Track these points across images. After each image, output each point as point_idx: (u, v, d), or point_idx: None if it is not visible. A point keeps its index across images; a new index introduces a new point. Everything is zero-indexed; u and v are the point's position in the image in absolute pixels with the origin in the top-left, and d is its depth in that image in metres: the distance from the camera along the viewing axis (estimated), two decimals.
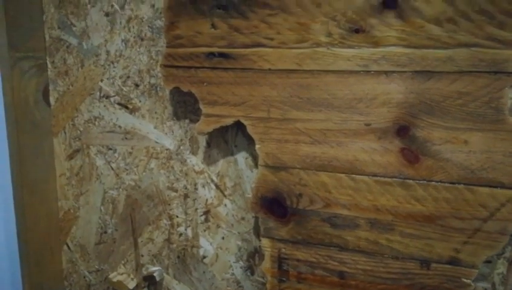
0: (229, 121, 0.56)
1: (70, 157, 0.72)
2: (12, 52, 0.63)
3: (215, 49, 0.55)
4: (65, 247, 0.76)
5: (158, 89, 0.64)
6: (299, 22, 0.50)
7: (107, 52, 0.65)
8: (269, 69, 0.53)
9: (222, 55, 0.55)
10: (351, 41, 0.49)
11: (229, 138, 0.62)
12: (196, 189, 0.65)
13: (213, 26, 0.54)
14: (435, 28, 0.46)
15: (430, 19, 0.46)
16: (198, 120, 0.60)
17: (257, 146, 0.56)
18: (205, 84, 0.56)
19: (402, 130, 0.49)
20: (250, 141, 0.57)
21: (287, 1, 0.50)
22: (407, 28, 0.47)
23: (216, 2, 0.53)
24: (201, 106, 0.57)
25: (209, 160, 0.63)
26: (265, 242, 0.58)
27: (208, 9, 0.54)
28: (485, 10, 0.44)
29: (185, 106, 0.63)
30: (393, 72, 0.48)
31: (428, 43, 0.46)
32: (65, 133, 0.71)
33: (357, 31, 0.49)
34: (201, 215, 0.65)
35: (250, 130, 0.55)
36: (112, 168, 0.69)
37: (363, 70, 0.49)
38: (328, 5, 0.49)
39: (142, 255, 0.70)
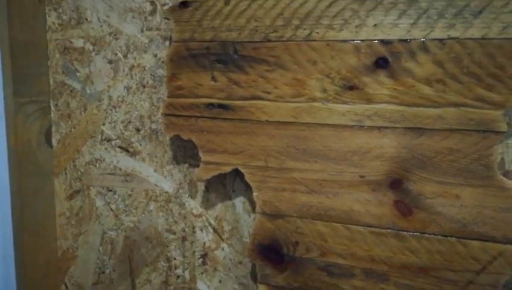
0: (227, 169, 0.58)
1: (71, 197, 0.73)
2: (17, 98, 0.65)
3: (215, 101, 0.57)
4: (63, 286, 0.76)
5: (158, 134, 0.65)
6: (295, 78, 0.53)
7: (110, 98, 0.67)
8: (267, 121, 0.55)
9: (221, 106, 0.56)
10: (345, 98, 0.51)
11: (227, 183, 0.63)
12: (194, 232, 0.66)
13: (213, 79, 0.56)
14: (426, 88, 0.48)
15: (421, 79, 0.48)
16: (197, 164, 0.61)
17: (254, 194, 0.57)
18: (205, 133, 0.58)
19: (395, 183, 0.51)
20: (248, 187, 0.59)
21: (283, 58, 0.53)
22: (399, 87, 0.49)
23: (216, 57, 0.56)
24: (200, 154, 0.58)
25: (207, 204, 0.65)
26: (262, 289, 0.58)
27: (209, 63, 0.56)
28: (473, 73, 0.46)
29: (184, 151, 0.64)
30: (386, 127, 0.50)
31: (419, 101, 0.48)
32: (66, 173, 0.72)
33: (350, 88, 0.51)
34: (199, 258, 0.66)
35: (248, 178, 0.57)
36: (112, 209, 0.70)
37: (357, 125, 0.51)
38: (323, 63, 0.51)
39: None
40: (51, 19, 0.69)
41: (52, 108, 0.71)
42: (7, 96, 0.64)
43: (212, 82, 0.56)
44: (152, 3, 0.62)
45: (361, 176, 0.52)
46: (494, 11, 0.44)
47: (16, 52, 0.65)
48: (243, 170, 0.57)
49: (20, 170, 0.68)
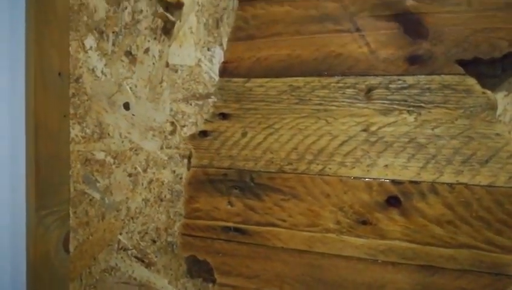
0: None
1: None
2: (39, 212, 0.68)
3: (231, 224, 0.58)
4: None
5: (174, 246, 0.67)
6: (309, 208, 0.55)
7: (128, 209, 0.70)
8: (282, 248, 0.56)
9: (237, 230, 0.58)
10: (358, 231, 0.53)
11: None
12: None
13: (230, 203, 0.58)
14: (437, 228, 0.49)
15: (432, 220, 0.49)
16: (211, 279, 0.62)
17: None
18: (220, 254, 0.59)
19: None
20: None
21: (298, 189, 0.55)
22: (411, 226, 0.50)
23: (233, 184, 0.58)
24: (215, 275, 0.59)
25: None
26: None
27: (226, 188, 0.58)
28: (483, 217, 0.48)
29: (199, 265, 0.65)
30: (400, 263, 0.51)
31: (431, 241, 0.50)
32: (81, 280, 0.73)
33: (364, 222, 0.52)
34: None
35: None
36: None
37: (371, 259, 0.52)
38: (336, 197, 0.53)
39: None
40: (75, 131, 0.73)
41: (71, 215, 0.74)
42: (29, 211, 0.67)
43: (229, 206, 0.58)
44: (172, 124, 0.66)
45: None
46: (500, 161, 0.47)
47: (39, 166, 0.68)
48: None
49: (37, 277, 0.69)
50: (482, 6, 0.47)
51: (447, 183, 0.49)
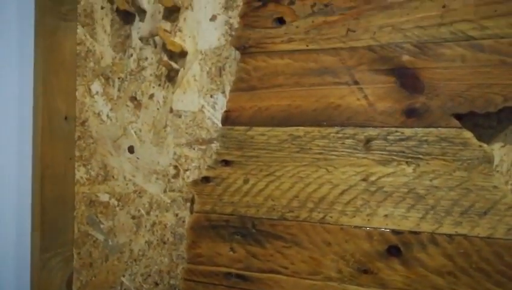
0: None
1: None
2: (43, 254, 0.68)
3: (233, 270, 0.59)
4: None
5: (177, 289, 0.67)
6: (311, 256, 0.55)
7: (131, 251, 0.70)
8: None
9: (239, 276, 0.59)
10: (360, 280, 0.53)
11: None
12: None
13: (232, 249, 0.59)
14: (438, 279, 0.50)
15: (433, 270, 0.50)
16: None
17: None
18: None
19: None
20: None
21: (300, 237, 0.56)
22: (412, 275, 0.51)
23: (235, 230, 0.59)
24: None
25: None
26: None
27: (228, 235, 0.59)
28: (482, 269, 0.48)
29: None
30: None
31: None
32: None
33: (365, 271, 0.53)
34: None
35: None
36: None
37: None
38: (338, 245, 0.54)
39: None
40: (80, 173, 0.74)
41: (75, 256, 0.74)
42: (34, 253, 0.68)
43: (231, 253, 0.59)
44: (175, 167, 0.67)
45: None
46: (499, 213, 0.48)
47: (45, 208, 0.69)
48: None
49: None
50: (476, 62, 0.48)
51: (447, 234, 0.49)
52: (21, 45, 0.71)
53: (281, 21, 0.56)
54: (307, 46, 0.55)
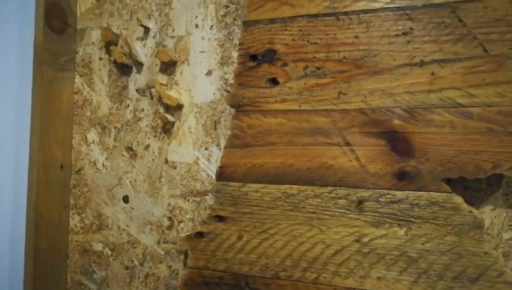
0: None
1: None
2: None
3: None
4: None
5: None
6: None
7: None
8: None
9: None
10: None
11: None
12: None
13: None
14: None
15: None
16: None
17: None
18: None
19: None
20: None
21: None
22: None
23: (228, 287, 0.58)
24: None
25: None
26: None
27: None
28: None
29: None
30: None
31: None
32: None
33: None
34: None
35: None
36: None
37: None
38: None
39: None
40: (74, 221, 0.74)
41: None
42: None
43: None
44: (170, 219, 0.67)
45: None
46: (490, 279, 0.48)
47: (38, 257, 0.69)
48: None
49: None
50: (465, 129, 0.49)
51: None
52: (19, 96, 0.72)
53: (274, 81, 0.58)
54: (300, 106, 0.56)
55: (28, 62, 0.69)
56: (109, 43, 0.70)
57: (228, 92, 0.63)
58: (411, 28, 0.51)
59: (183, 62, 0.67)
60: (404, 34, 0.52)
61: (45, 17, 0.68)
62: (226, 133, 0.64)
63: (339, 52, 0.54)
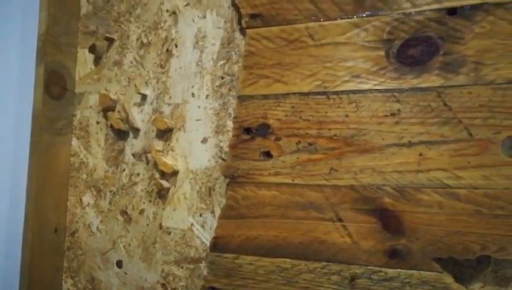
0: None
1: None
2: None
3: None
4: None
5: None
6: None
7: None
8: None
9: None
10: None
11: None
12: None
13: None
14: None
15: None
16: None
17: None
18: None
19: None
20: None
21: None
22: None
23: None
24: None
25: None
26: None
27: None
28: None
29: None
30: None
31: None
32: None
33: None
34: None
35: None
36: None
37: None
38: None
39: None
40: (67, 285, 0.73)
41: None
42: None
43: None
44: (163, 285, 0.67)
45: None
46: None
47: None
48: None
49: None
50: (453, 210, 0.51)
51: None
52: (16, 160, 0.73)
53: (268, 155, 0.59)
54: (293, 180, 0.58)
55: (27, 128, 0.70)
56: (107, 109, 0.72)
57: (223, 159, 0.64)
58: (399, 110, 0.53)
59: (179, 129, 0.69)
60: (392, 115, 0.54)
61: (45, 85, 0.70)
62: (220, 200, 0.64)
63: (330, 129, 0.56)
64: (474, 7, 0.51)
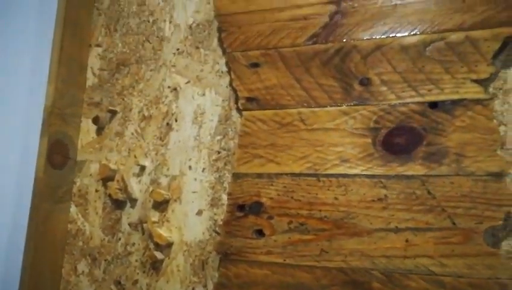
0: None
1: None
2: None
3: None
4: None
5: None
6: None
7: None
8: None
9: None
10: None
11: None
12: None
13: None
14: None
15: None
16: None
17: None
18: None
19: None
20: None
21: None
22: None
23: None
24: None
25: None
26: None
27: None
28: None
29: None
30: None
31: None
32: None
33: None
34: None
35: None
36: None
37: None
38: None
39: None
40: None
41: None
42: None
43: None
44: None
45: None
46: None
47: None
48: None
49: None
50: None
51: None
52: (15, 226, 0.74)
53: (260, 233, 0.61)
54: (284, 260, 0.59)
55: (28, 195, 0.72)
56: (106, 178, 0.75)
57: (217, 233, 0.66)
58: (386, 195, 0.56)
59: (175, 200, 0.71)
60: (380, 200, 0.56)
61: (47, 155, 0.73)
62: (213, 274, 0.65)
63: (320, 211, 0.58)
64: (454, 102, 0.55)
